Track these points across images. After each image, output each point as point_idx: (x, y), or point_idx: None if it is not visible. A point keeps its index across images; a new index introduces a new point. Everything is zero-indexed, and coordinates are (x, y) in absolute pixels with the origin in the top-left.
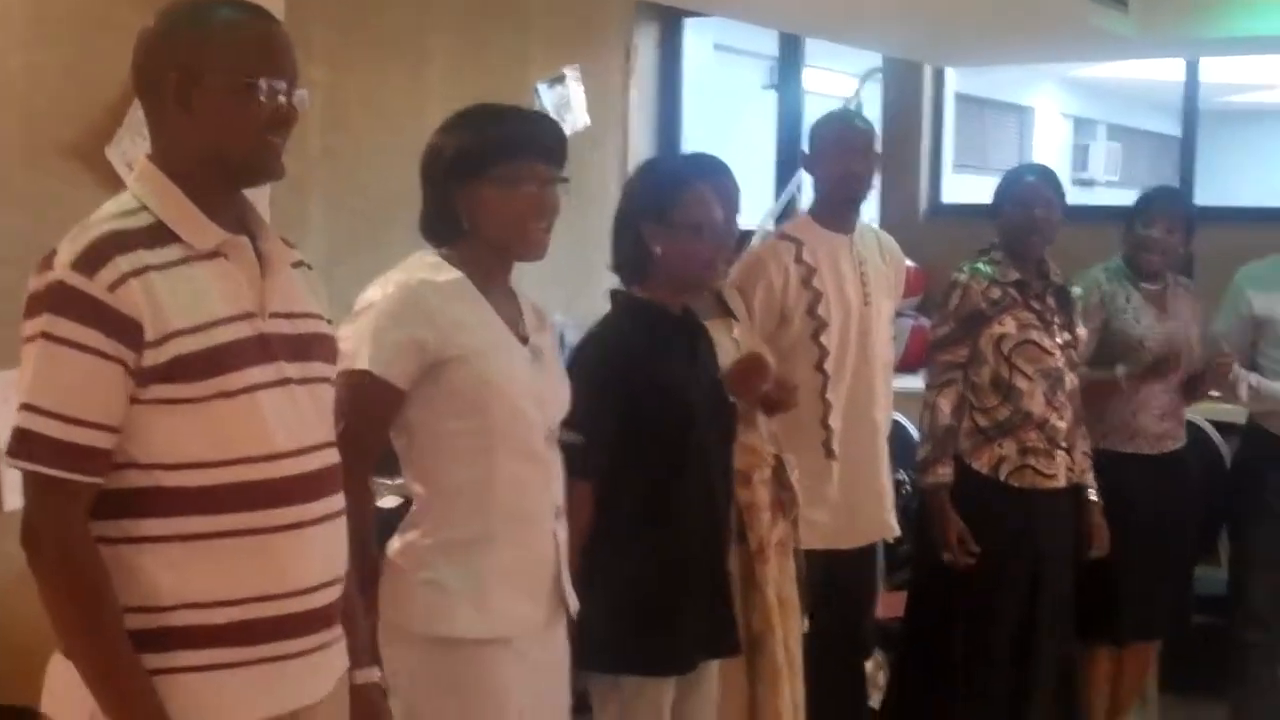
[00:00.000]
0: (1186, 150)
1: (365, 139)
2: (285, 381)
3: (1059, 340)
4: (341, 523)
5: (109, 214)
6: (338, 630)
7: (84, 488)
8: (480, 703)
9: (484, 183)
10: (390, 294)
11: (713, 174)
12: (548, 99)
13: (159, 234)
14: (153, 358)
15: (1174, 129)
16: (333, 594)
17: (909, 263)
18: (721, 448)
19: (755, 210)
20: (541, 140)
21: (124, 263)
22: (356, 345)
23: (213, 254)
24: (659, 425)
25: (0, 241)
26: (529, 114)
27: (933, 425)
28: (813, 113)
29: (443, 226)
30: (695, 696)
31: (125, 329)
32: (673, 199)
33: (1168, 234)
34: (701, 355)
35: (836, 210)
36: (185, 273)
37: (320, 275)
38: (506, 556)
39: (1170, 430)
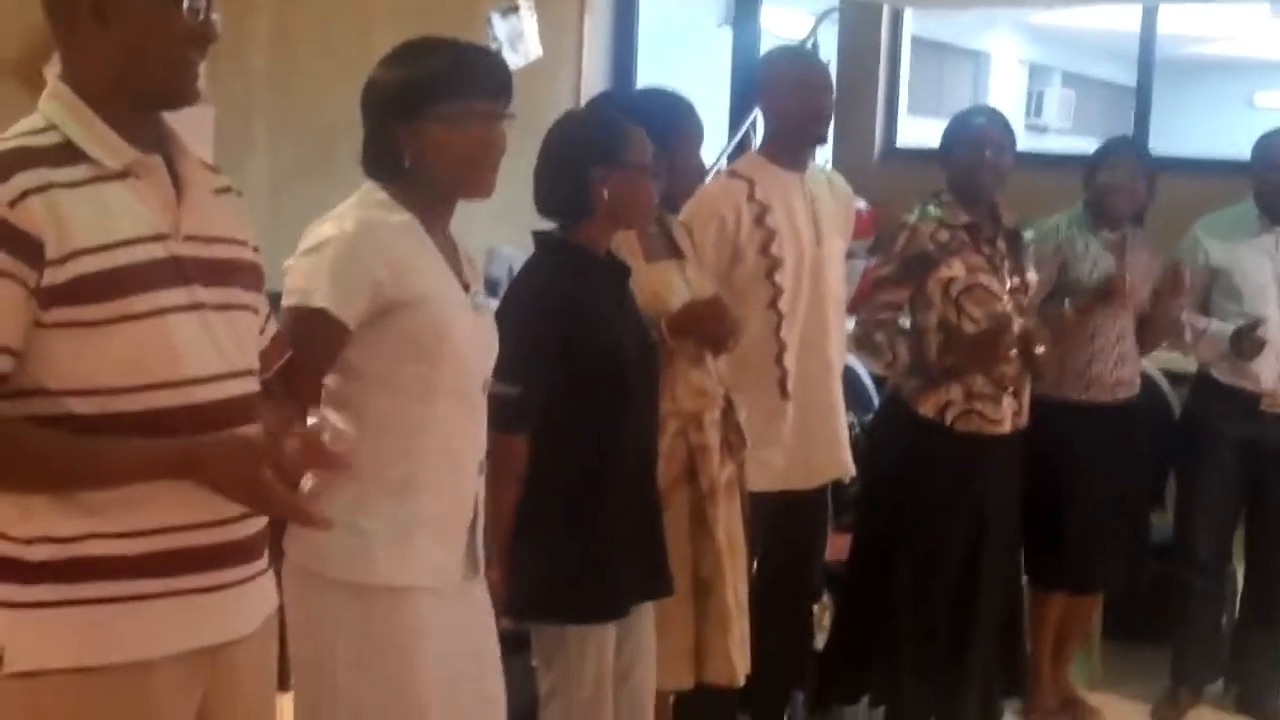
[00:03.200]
0: (1142, 100)
1: (311, 65)
2: (198, 306)
3: (1008, 284)
4: None
5: (15, 132)
6: (261, 564)
7: None
8: (396, 650)
9: (427, 121)
10: (349, 231)
11: (686, 116)
12: (500, 29)
13: (67, 152)
14: (54, 276)
15: (1129, 78)
16: (253, 526)
17: (861, 204)
18: (648, 391)
19: (708, 149)
20: (488, 76)
21: (26, 179)
22: (310, 281)
23: (124, 174)
24: (593, 373)
25: None
26: (475, 49)
27: (903, 362)
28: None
29: (385, 163)
30: (632, 639)
31: (25, 246)
32: (620, 140)
33: (1131, 180)
34: (628, 299)
35: (791, 149)
36: (93, 191)
37: (265, 201)
38: (430, 504)
39: (1125, 378)
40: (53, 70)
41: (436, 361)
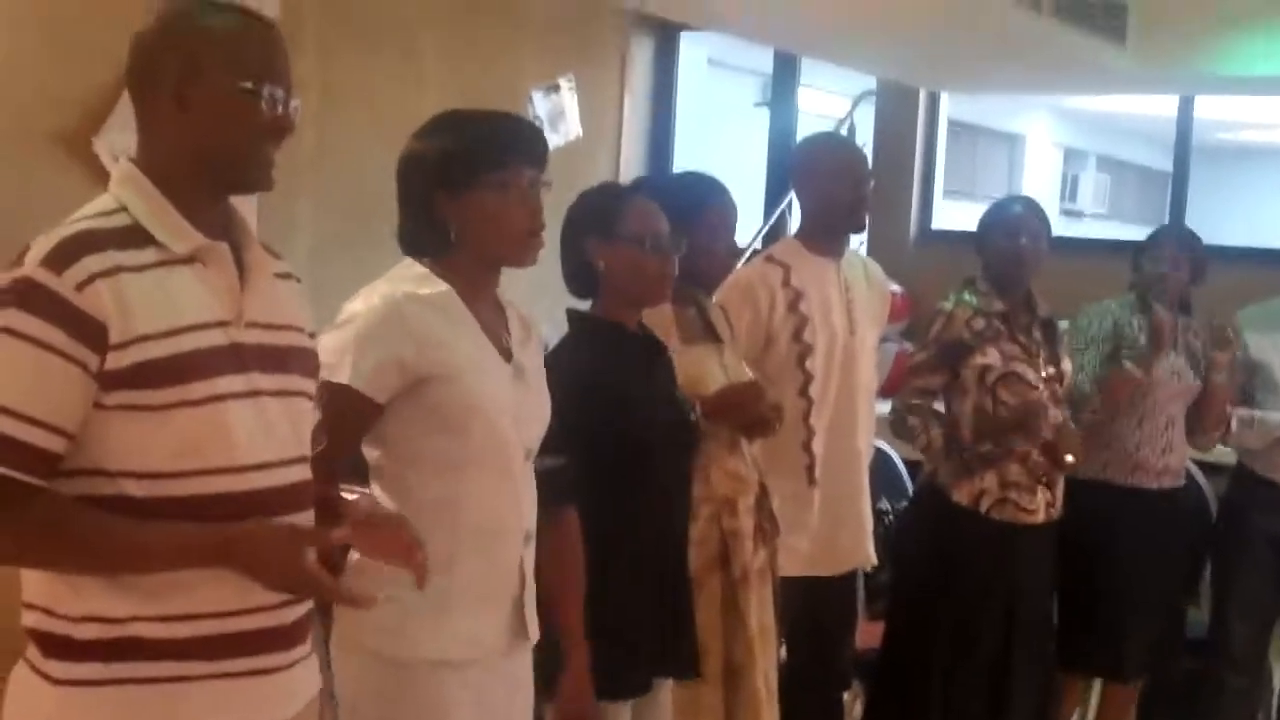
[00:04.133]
0: (1178, 186)
1: (356, 138)
2: (256, 393)
3: (1044, 373)
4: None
5: (85, 214)
6: (304, 649)
7: (25, 489)
8: None
9: (475, 190)
10: (374, 307)
11: (712, 193)
12: (542, 107)
13: (135, 236)
14: (117, 361)
15: (1165, 163)
16: (298, 611)
17: (896, 288)
18: (680, 467)
19: (743, 230)
20: (530, 144)
21: (94, 262)
22: (338, 358)
23: (190, 259)
24: (619, 447)
25: None
26: (513, 117)
27: (938, 447)
28: (805, 132)
29: (427, 238)
30: (649, 714)
31: (89, 330)
32: (616, 212)
33: (1174, 268)
34: (659, 373)
35: (827, 235)
36: (159, 276)
37: (306, 276)
38: (468, 577)
39: (1172, 466)
40: (103, 142)
41: (466, 435)
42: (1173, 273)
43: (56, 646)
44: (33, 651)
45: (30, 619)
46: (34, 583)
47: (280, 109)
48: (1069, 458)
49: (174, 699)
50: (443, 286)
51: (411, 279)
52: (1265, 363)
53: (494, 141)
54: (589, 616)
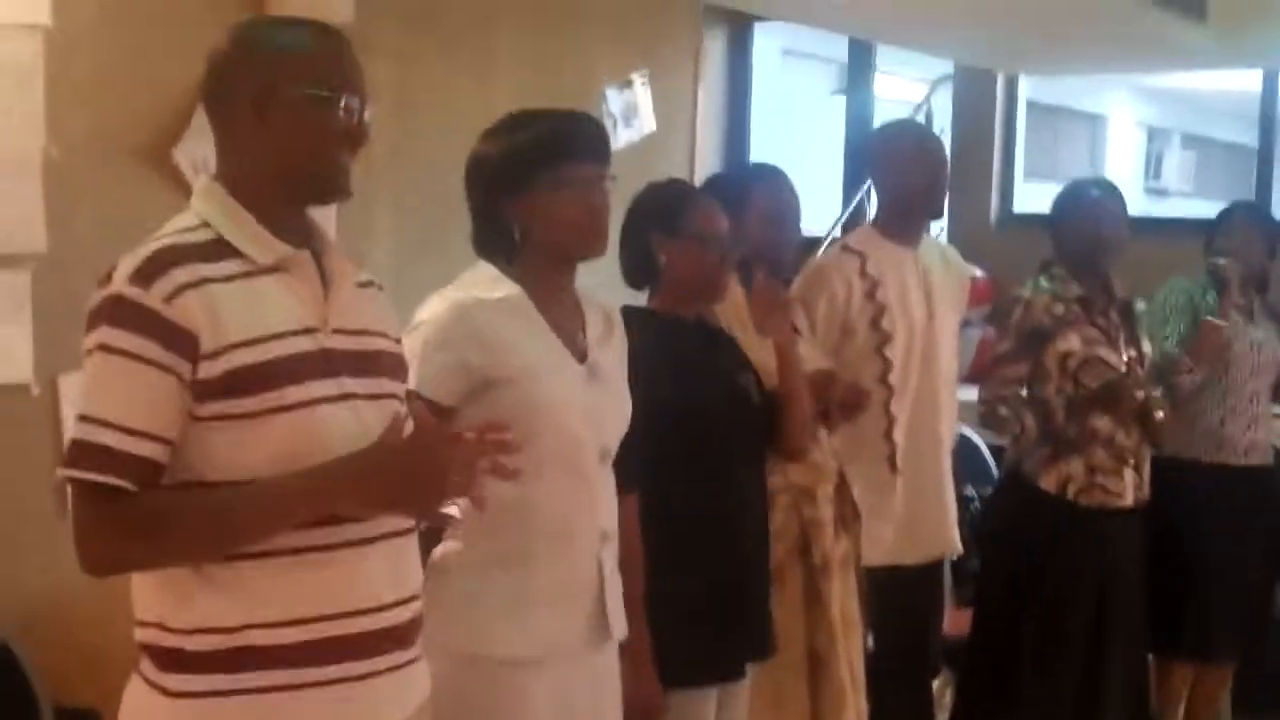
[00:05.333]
0: (1263, 162)
1: (431, 142)
2: (350, 397)
3: (1124, 356)
4: (412, 539)
5: (168, 230)
6: (415, 651)
7: (131, 497)
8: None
9: (533, 191)
10: (439, 314)
11: (769, 180)
12: (615, 104)
13: (219, 249)
14: (209, 370)
15: (1251, 138)
16: (407, 612)
17: (978, 273)
18: (748, 447)
19: (822, 218)
20: (587, 140)
21: (181, 275)
22: (408, 362)
23: (274, 269)
24: (678, 427)
25: (71, 245)
26: (569, 115)
27: (1032, 434)
28: (881, 119)
29: (494, 239)
30: (732, 705)
31: (181, 340)
32: (680, 208)
33: (1245, 246)
34: (722, 362)
35: (905, 223)
36: (245, 286)
37: (386, 282)
38: (545, 576)
39: (1258, 441)
40: (182, 154)
41: (537, 437)
42: (1244, 248)
43: (171, 660)
44: (146, 665)
45: (144, 635)
46: (146, 598)
47: (355, 118)
48: (1159, 414)
49: (287, 706)
50: (513, 289)
51: (481, 283)
52: None
53: (548, 141)
54: (667, 604)
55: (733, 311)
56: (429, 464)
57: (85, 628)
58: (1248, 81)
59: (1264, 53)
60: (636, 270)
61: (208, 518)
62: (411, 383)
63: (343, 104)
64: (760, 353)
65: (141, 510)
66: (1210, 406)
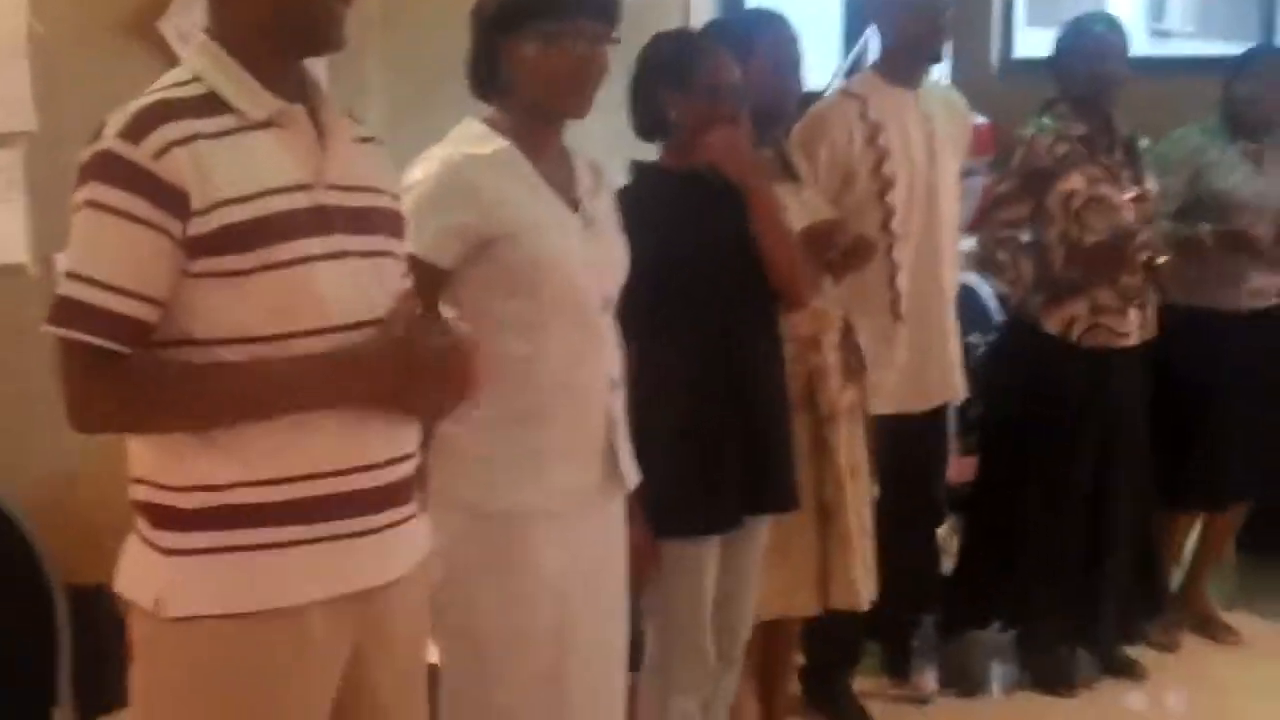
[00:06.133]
0: (1267, 1)
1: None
2: (344, 254)
3: (1129, 194)
4: None
5: (160, 85)
6: (411, 508)
7: (119, 358)
8: (519, 574)
9: (526, 37)
10: (431, 173)
11: (772, 28)
12: None
13: (211, 103)
14: (199, 227)
15: None
16: (401, 471)
17: (981, 119)
18: (754, 301)
19: (823, 68)
20: None
21: (171, 131)
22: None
23: (267, 123)
24: (681, 285)
25: (61, 121)
26: None
27: (1028, 280)
28: None
29: (487, 80)
30: (736, 564)
31: (170, 197)
32: (691, 64)
33: (1271, 91)
34: (733, 213)
35: (906, 67)
36: (237, 141)
37: (384, 139)
38: (557, 430)
39: (1263, 287)
40: (169, 25)
41: (540, 292)
42: (1269, 92)
43: (165, 517)
44: (142, 523)
45: (139, 492)
46: (140, 456)
47: None
48: (1161, 259)
49: (282, 564)
50: (502, 142)
51: (470, 139)
52: None
53: None
54: (667, 456)
55: None
56: (429, 361)
57: (92, 507)
58: None
59: None
60: (648, 125)
61: (200, 392)
62: (408, 246)
63: None
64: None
65: (132, 373)
66: (1234, 255)
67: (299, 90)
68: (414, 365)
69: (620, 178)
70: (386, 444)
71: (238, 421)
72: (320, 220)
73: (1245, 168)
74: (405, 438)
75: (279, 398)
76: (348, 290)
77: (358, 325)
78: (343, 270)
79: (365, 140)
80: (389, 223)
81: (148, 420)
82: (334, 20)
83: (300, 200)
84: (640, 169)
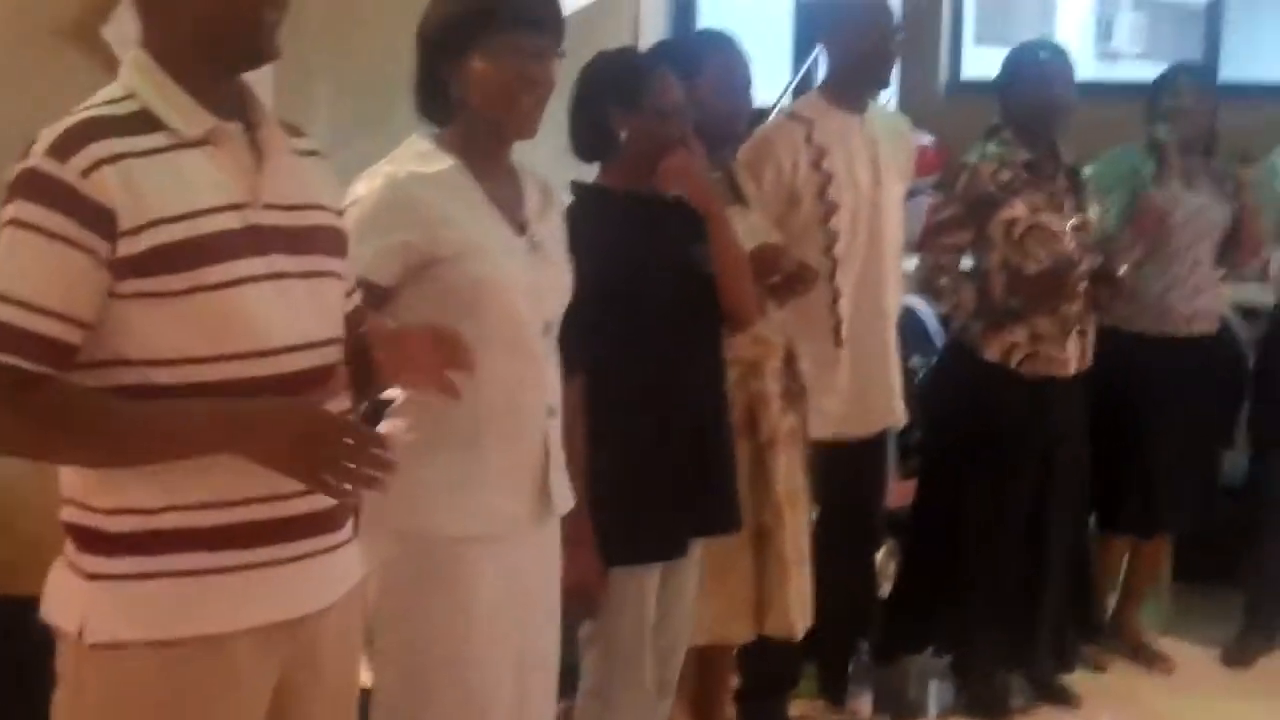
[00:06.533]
0: (1212, 21)
1: (370, 19)
2: (280, 275)
3: (1071, 223)
4: None
5: (93, 103)
6: (344, 534)
7: (34, 379)
8: (448, 600)
9: (471, 56)
10: (375, 190)
11: (722, 49)
12: None
13: (143, 121)
14: (128, 247)
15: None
16: (314, 502)
17: (927, 139)
18: (700, 324)
19: (770, 86)
20: (534, 12)
21: (99, 149)
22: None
23: (201, 142)
24: (620, 311)
25: None
26: None
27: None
28: None
29: (433, 100)
30: (672, 586)
31: (97, 217)
32: (639, 82)
33: (1192, 107)
34: (676, 236)
35: (853, 90)
36: (169, 160)
37: (329, 156)
38: (492, 454)
39: (1201, 310)
40: (112, 32)
41: (481, 314)
42: (1194, 109)
43: (90, 540)
44: (69, 546)
45: (66, 513)
46: (69, 476)
47: None
48: (1121, 269)
49: (209, 591)
50: (448, 162)
51: (415, 157)
52: None
53: (491, 7)
54: (611, 482)
55: None
56: (331, 443)
57: (26, 516)
58: None
59: None
60: (590, 144)
61: (108, 428)
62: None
63: None
64: None
65: (43, 401)
66: (1152, 277)
67: (236, 106)
68: (311, 442)
69: (564, 195)
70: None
71: (133, 464)
72: (255, 240)
73: (1175, 184)
74: None
75: (173, 446)
76: (283, 312)
77: (292, 348)
78: (279, 291)
79: (308, 154)
80: (329, 241)
81: (50, 446)
82: (265, 30)
83: (234, 220)
84: (582, 190)
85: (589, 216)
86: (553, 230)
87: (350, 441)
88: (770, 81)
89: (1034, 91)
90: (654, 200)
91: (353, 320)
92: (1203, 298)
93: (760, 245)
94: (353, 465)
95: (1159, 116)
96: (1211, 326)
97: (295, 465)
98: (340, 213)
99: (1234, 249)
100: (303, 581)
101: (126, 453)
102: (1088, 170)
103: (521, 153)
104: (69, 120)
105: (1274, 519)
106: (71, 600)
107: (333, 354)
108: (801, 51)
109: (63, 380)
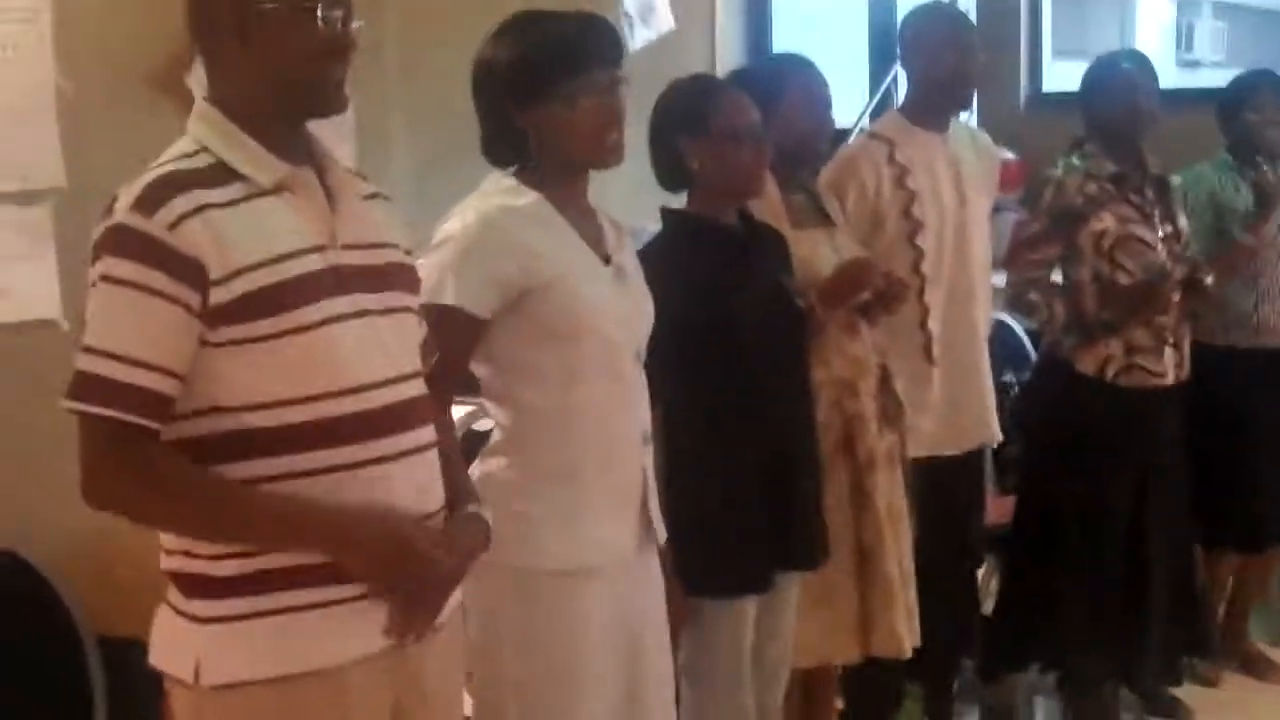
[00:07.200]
0: None
1: (442, 53)
2: (364, 313)
3: (1161, 233)
4: (431, 456)
5: (168, 158)
6: None
7: (140, 432)
8: (561, 635)
9: (546, 102)
10: (469, 224)
11: (799, 71)
12: (630, 3)
13: (220, 173)
14: (220, 296)
15: None
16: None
17: (1009, 155)
18: (787, 354)
19: (849, 109)
20: (597, 45)
21: (182, 202)
22: (440, 278)
23: (276, 189)
24: (711, 339)
25: (90, 177)
26: (582, 18)
27: (1060, 320)
28: (904, 6)
29: (507, 147)
30: (771, 617)
31: (187, 269)
32: (708, 108)
33: (1277, 117)
34: (763, 262)
35: (933, 111)
36: (249, 209)
37: (408, 196)
38: (593, 484)
39: None
40: (195, 79)
41: (576, 344)
42: (1275, 120)
43: (198, 585)
44: (174, 594)
45: (171, 562)
46: None
47: (338, 26)
48: (1208, 278)
49: (319, 624)
50: (533, 195)
51: (502, 192)
52: None
53: (562, 49)
54: (696, 514)
55: (768, 209)
56: (422, 574)
57: (124, 562)
58: None
59: None
60: (669, 175)
61: (205, 502)
62: (449, 298)
63: (323, 13)
64: (797, 250)
65: (154, 463)
66: (1241, 294)
67: (305, 152)
68: (394, 571)
69: (647, 222)
70: (413, 502)
71: (236, 544)
72: (337, 281)
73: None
74: (429, 497)
75: (266, 543)
76: (370, 349)
77: (381, 384)
78: (364, 329)
79: (372, 196)
80: (403, 278)
81: (155, 516)
82: (330, 84)
83: (316, 262)
84: (670, 217)
85: (676, 244)
86: (631, 260)
87: (429, 572)
88: (848, 104)
89: (1118, 102)
90: (739, 227)
91: (423, 354)
92: None
93: (850, 260)
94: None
95: (1242, 128)
96: None
97: (377, 586)
98: (409, 250)
99: None
100: None
101: (218, 535)
102: (1176, 180)
103: (604, 182)
104: (148, 176)
105: None
106: (183, 645)
107: (418, 387)
108: (878, 73)
109: (168, 448)
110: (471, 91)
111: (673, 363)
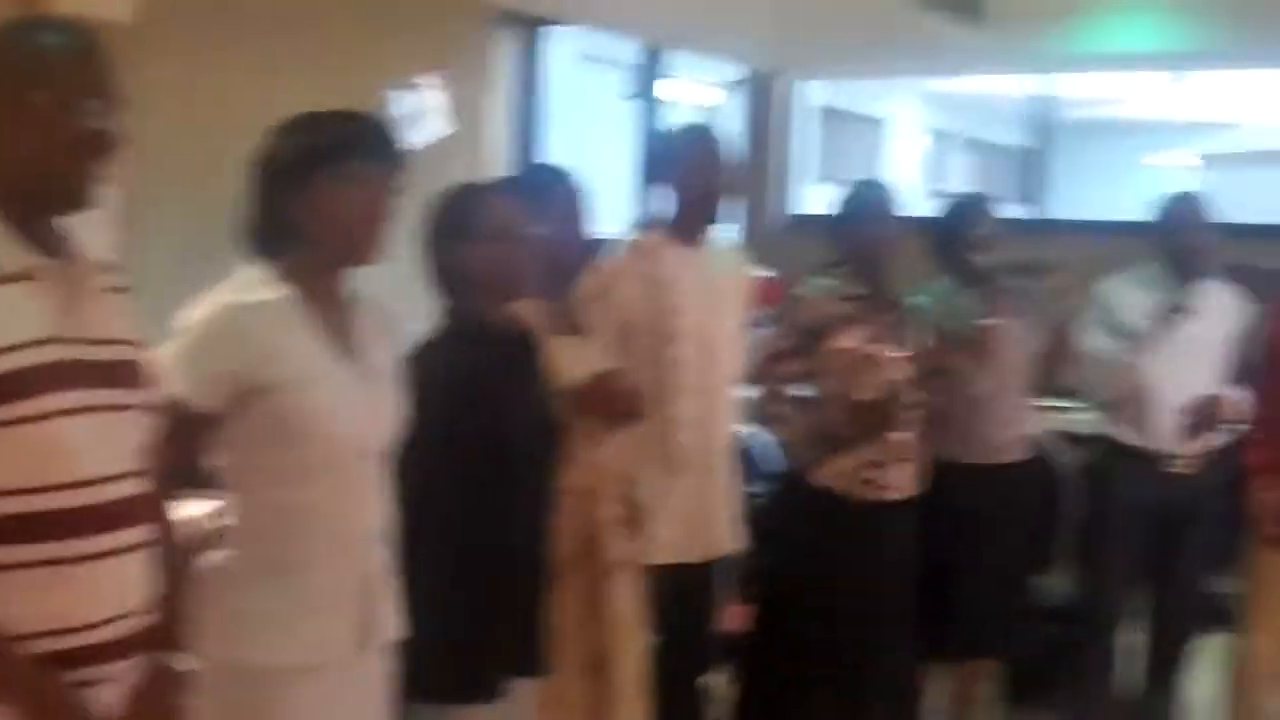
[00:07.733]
0: (1038, 163)
1: (215, 145)
2: (90, 409)
3: (901, 354)
4: (143, 554)
5: None
6: (128, 664)
7: None
8: None
9: (316, 185)
10: (205, 317)
11: (562, 182)
12: (399, 107)
13: None
14: None
15: (1029, 141)
16: (123, 628)
17: (767, 273)
18: (541, 465)
19: (615, 220)
20: (365, 139)
21: None
22: (170, 367)
23: (18, 277)
24: (474, 447)
25: None
26: (359, 118)
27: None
28: (674, 122)
29: (272, 236)
30: (511, 714)
31: None
32: (470, 212)
33: (998, 235)
34: (525, 371)
35: (689, 225)
36: None
37: (169, 286)
38: (318, 582)
39: (1011, 441)
40: None
41: (305, 444)
42: (997, 237)
43: None
44: None
45: None
46: None
47: (97, 122)
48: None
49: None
50: (280, 292)
51: (249, 285)
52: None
53: (335, 140)
54: (440, 620)
55: (527, 312)
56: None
57: None
58: (1028, 86)
59: (1038, 57)
60: (436, 280)
61: None
62: (176, 388)
63: (81, 109)
64: (552, 356)
65: None
66: (961, 410)
67: (55, 241)
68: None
69: (414, 324)
70: (115, 601)
71: None
72: (67, 375)
73: (982, 310)
74: (133, 595)
75: None
76: (96, 444)
77: (108, 479)
78: (90, 424)
79: (117, 290)
80: (132, 376)
81: None
82: (85, 180)
83: (47, 355)
84: (442, 317)
85: (444, 343)
86: (386, 357)
87: None
88: (615, 217)
89: (869, 228)
90: (504, 332)
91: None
92: (1011, 430)
93: (604, 372)
94: None
95: (971, 247)
96: (1022, 455)
97: None
98: (142, 347)
99: (1055, 357)
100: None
101: None
102: (915, 300)
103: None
104: None
105: (1098, 642)
106: None
107: (141, 484)
108: (642, 188)
109: None
110: (247, 183)
111: (428, 463)
